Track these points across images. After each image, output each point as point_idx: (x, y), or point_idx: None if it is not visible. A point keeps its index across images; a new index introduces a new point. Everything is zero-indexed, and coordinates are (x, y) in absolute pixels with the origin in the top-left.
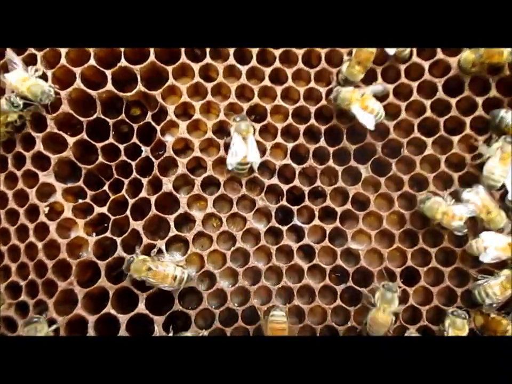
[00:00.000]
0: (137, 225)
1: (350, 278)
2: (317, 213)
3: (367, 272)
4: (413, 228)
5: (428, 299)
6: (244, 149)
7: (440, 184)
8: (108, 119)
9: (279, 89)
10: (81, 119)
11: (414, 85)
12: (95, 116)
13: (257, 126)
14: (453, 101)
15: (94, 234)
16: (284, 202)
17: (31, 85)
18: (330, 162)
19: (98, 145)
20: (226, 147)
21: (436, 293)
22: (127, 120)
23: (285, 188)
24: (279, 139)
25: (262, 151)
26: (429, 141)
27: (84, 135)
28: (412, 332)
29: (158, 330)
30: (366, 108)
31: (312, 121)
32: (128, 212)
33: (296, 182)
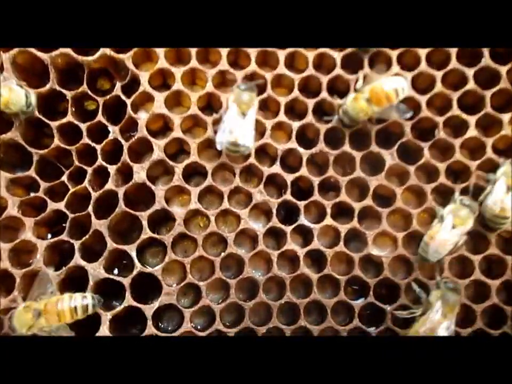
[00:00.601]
0: (100, 225)
1: (371, 292)
2: (329, 210)
3: (392, 284)
4: None
5: (469, 319)
6: (238, 126)
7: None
8: (65, 91)
9: (282, 54)
10: (30, 90)
11: (452, 49)
12: (48, 87)
13: None
14: (503, 69)
15: (49, 236)
16: (288, 196)
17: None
18: (346, 147)
19: (54, 124)
20: (218, 123)
21: (479, 312)
22: (90, 93)
23: (289, 178)
24: (281, 117)
25: (261, 132)
26: (472, 120)
27: (35, 112)
28: None
29: None
30: (381, 100)
31: (324, 95)
32: (90, 208)
33: (303, 171)
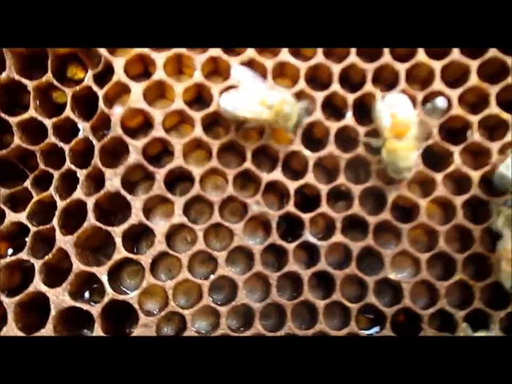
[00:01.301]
0: (64, 242)
1: (388, 323)
2: (338, 224)
3: (413, 314)
4: (484, 252)
5: None
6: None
7: None
8: (24, 81)
9: None
10: None
11: None
12: (5, 75)
13: None
14: None
15: (9, 252)
16: (291, 207)
17: None
18: (361, 150)
19: (13, 120)
20: None
21: None
22: (55, 83)
23: (292, 185)
24: None
25: (259, 131)
26: None
27: None
28: None
29: None
30: (407, 126)
31: (335, 87)
32: (55, 221)
33: (309, 178)
